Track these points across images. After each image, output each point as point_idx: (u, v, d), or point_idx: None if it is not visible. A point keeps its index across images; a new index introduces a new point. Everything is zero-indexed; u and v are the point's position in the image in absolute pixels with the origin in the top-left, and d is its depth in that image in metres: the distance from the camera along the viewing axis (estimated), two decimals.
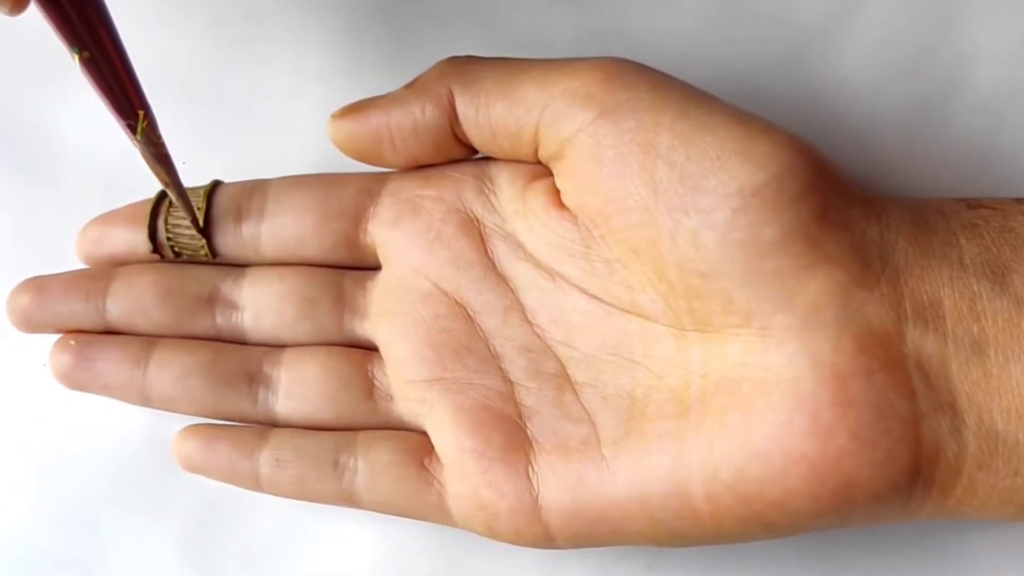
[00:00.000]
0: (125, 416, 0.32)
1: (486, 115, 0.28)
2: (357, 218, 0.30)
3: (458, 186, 0.29)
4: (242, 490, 0.31)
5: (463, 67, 0.28)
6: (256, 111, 0.32)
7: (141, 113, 0.27)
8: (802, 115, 0.31)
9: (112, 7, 0.32)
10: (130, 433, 0.32)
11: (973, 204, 0.27)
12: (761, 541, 0.27)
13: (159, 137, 0.28)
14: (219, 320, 0.30)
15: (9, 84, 0.33)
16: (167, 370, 0.30)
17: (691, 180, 0.25)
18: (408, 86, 0.29)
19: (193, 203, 0.30)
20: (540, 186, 0.28)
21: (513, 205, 0.29)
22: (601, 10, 0.32)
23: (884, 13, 0.31)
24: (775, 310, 0.26)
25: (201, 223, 0.30)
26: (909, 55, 0.31)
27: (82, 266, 0.31)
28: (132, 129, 0.27)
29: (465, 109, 0.28)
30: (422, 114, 0.28)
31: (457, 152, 0.29)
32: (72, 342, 0.30)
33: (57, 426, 0.32)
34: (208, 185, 0.30)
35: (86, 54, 0.26)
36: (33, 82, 0.33)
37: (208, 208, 0.30)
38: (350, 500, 0.29)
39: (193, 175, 0.31)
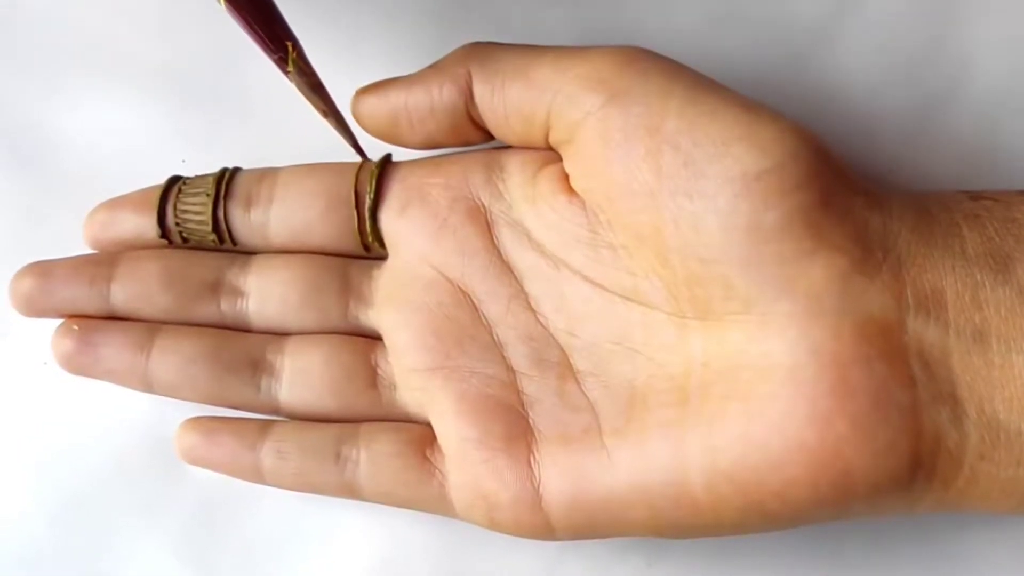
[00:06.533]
0: (125, 414, 0.32)
1: (501, 96, 0.28)
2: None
3: (466, 174, 0.29)
4: (242, 488, 0.31)
5: (483, 50, 0.29)
6: (256, 110, 0.33)
7: (290, 44, 0.28)
8: (804, 113, 0.31)
9: (112, 7, 0.33)
10: (130, 432, 0.32)
11: (976, 195, 0.28)
12: (762, 533, 0.27)
13: (310, 67, 0.28)
14: (224, 307, 0.30)
15: (9, 83, 0.33)
16: (170, 356, 0.30)
17: (695, 165, 0.26)
18: (429, 67, 0.29)
19: (202, 190, 0.30)
20: (550, 172, 0.29)
21: (522, 191, 0.29)
22: (601, 9, 0.32)
23: (885, 11, 0.31)
24: (776, 296, 0.26)
25: (211, 210, 0.30)
26: (911, 52, 0.31)
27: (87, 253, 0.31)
28: (284, 62, 0.28)
29: (481, 90, 0.28)
30: (439, 94, 0.29)
31: (472, 134, 0.29)
32: (75, 327, 0.30)
33: (57, 425, 0.32)
34: (217, 172, 0.31)
35: None
36: (33, 81, 0.33)
37: (225, 194, 0.30)
38: (352, 491, 0.29)
39: (192, 174, 0.31)
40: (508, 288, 0.29)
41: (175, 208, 0.30)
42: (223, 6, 0.27)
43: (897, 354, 0.25)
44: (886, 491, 0.26)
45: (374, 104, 0.29)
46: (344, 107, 0.30)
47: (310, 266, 0.30)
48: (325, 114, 0.29)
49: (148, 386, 0.30)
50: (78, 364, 0.30)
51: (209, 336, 0.30)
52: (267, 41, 0.28)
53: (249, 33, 0.28)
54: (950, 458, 0.26)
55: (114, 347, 0.30)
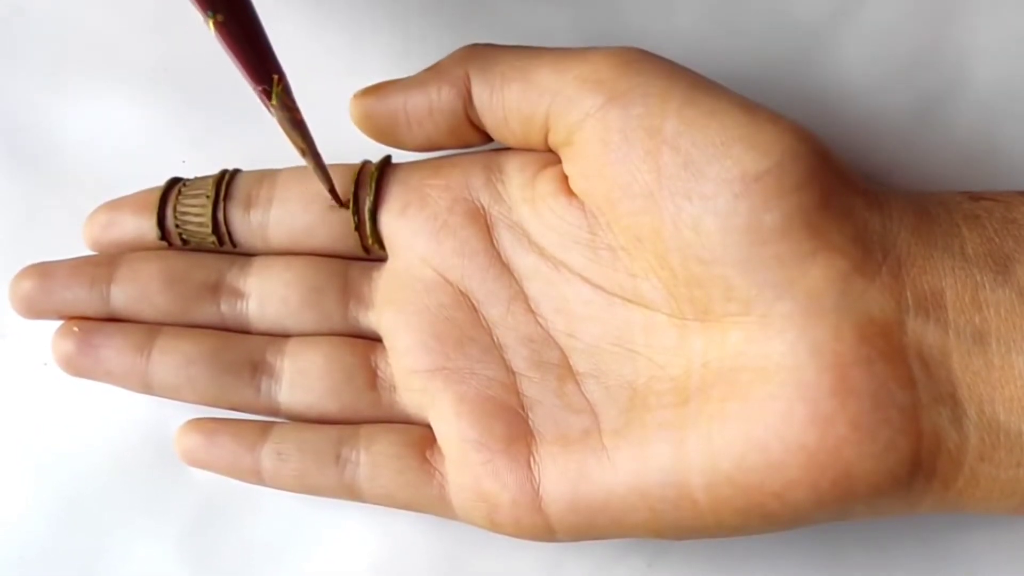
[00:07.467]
0: (125, 415, 0.32)
1: (500, 98, 0.28)
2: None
3: (466, 175, 0.29)
4: (242, 489, 0.31)
5: (482, 52, 0.29)
6: (256, 110, 0.32)
7: (276, 77, 0.27)
8: (803, 113, 0.30)
9: (112, 7, 0.33)
10: (130, 432, 0.32)
11: (975, 196, 0.27)
12: (762, 534, 0.27)
13: (294, 102, 0.28)
14: (224, 308, 0.30)
15: (9, 83, 0.33)
16: (170, 358, 0.30)
17: (695, 166, 0.26)
18: (428, 69, 0.29)
19: (202, 192, 0.30)
20: (549, 173, 0.29)
21: (522, 192, 0.29)
22: (601, 8, 0.32)
23: (885, 10, 0.31)
24: (775, 297, 0.26)
25: (211, 212, 0.30)
26: (910, 52, 0.31)
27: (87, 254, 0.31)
28: (267, 95, 0.27)
29: (480, 92, 0.28)
30: (438, 95, 0.29)
31: (470, 136, 0.29)
32: (75, 328, 0.30)
33: (57, 426, 0.32)
34: (216, 174, 0.31)
35: (220, 18, 0.26)
36: (33, 81, 0.33)
37: (225, 196, 0.30)
38: (352, 493, 0.29)
39: (193, 175, 0.31)
40: (508, 290, 0.29)
41: (175, 210, 0.30)
42: (212, 31, 0.26)
43: (897, 355, 0.25)
44: (886, 492, 0.26)
45: (373, 106, 0.29)
46: (343, 108, 0.30)
47: (310, 268, 0.30)
48: (303, 152, 0.28)
49: (148, 388, 0.30)
50: (79, 366, 0.30)
51: (209, 338, 0.30)
52: (253, 71, 0.27)
53: (235, 62, 0.27)
54: (950, 459, 0.26)
55: (114, 349, 0.30)
